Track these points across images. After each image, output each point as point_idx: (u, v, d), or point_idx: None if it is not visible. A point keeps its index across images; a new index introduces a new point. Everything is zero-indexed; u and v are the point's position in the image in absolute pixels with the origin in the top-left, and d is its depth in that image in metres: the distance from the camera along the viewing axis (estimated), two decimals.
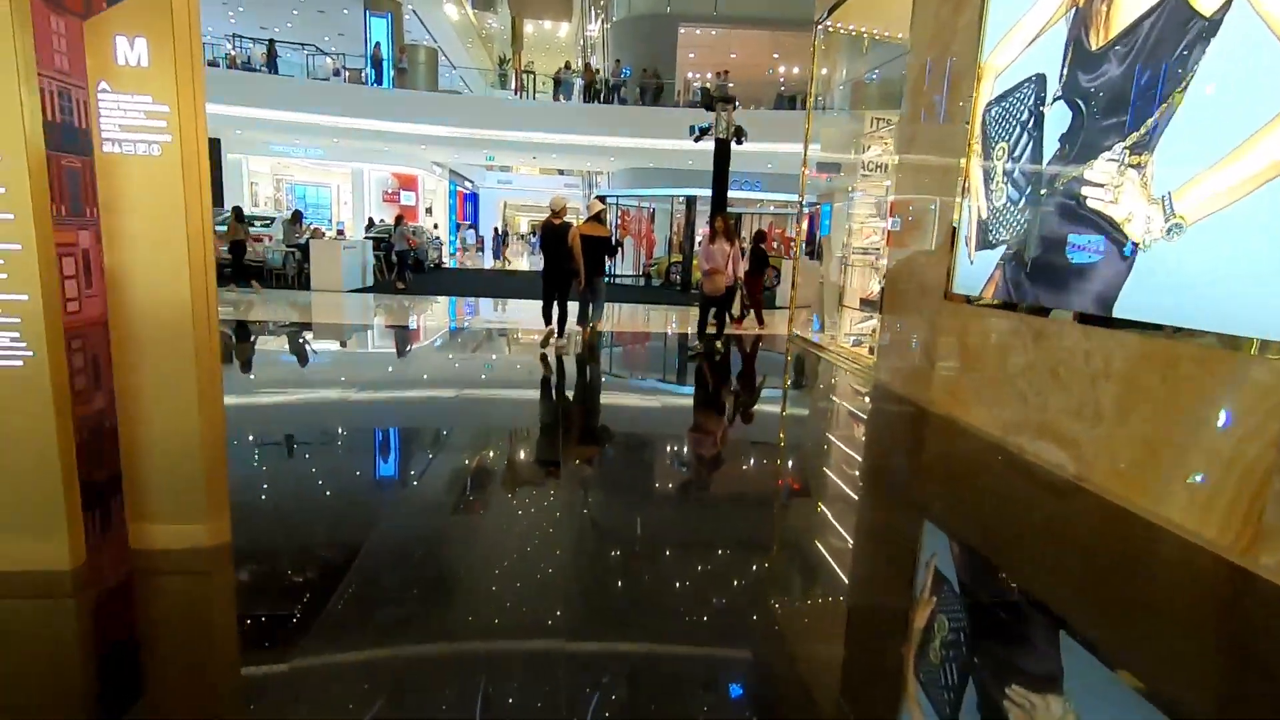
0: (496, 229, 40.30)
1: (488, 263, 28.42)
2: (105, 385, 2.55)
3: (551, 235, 7.41)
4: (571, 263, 7.20)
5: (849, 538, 3.38)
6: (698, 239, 17.69)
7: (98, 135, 2.28)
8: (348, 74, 23.66)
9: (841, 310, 8.30)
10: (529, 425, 5.13)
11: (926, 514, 3.67)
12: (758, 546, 3.20)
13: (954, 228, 5.07)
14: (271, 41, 22.08)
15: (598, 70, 23.25)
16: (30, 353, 2.17)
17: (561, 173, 43.66)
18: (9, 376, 2.17)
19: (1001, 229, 4.60)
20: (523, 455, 4.39)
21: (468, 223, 38.30)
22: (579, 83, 22.60)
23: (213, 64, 22.34)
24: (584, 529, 3.19)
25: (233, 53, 23.46)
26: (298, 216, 12.86)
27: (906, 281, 5.81)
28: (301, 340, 8.15)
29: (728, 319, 7.13)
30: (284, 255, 12.96)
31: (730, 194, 15.63)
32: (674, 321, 11.53)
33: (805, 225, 9.82)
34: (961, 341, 4.98)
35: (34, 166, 2.11)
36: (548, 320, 7.63)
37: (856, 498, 3.99)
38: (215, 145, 23.75)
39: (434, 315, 10.97)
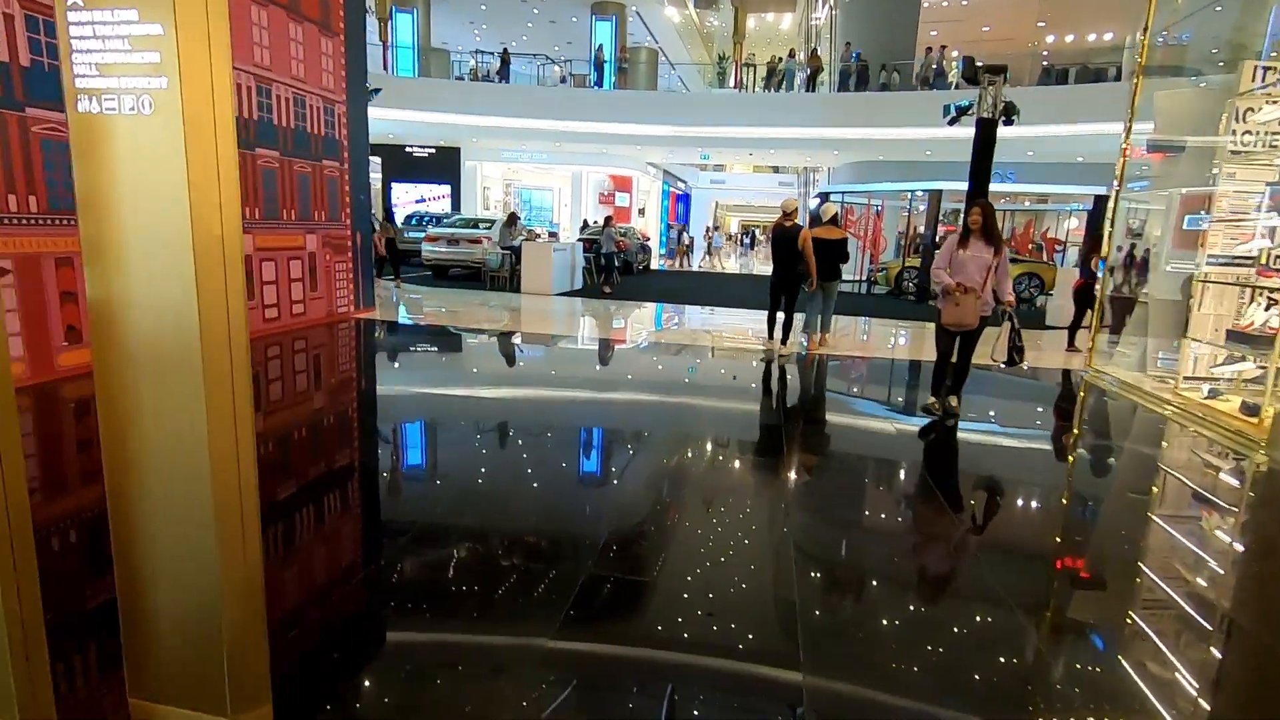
0: (708, 228, 39.74)
1: (696, 263, 27.69)
2: None
3: (782, 238, 7.14)
4: (802, 266, 7.01)
5: None
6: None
7: (70, 84, 1.37)
8: (572, 79, 24.27)
9: (1183, 342, 5.84)
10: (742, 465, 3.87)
11: None
12: None
13: None
14: (505, 52, 23.19)
15: (821, 56, 21.25)
16: None
17: (776, 170, 41.87)
18: None
19: None
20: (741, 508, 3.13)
21: (679, 224, 38.10)
22: (801, 75, 20.80)
23: (459, 78, 24.19)
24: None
25: (474, 65, 25.14)
26: (513, 219, 12.90)
27: None
28: (471, 353, 7.70)
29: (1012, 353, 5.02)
30: (501, 257, 13.06)
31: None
32: (904, 337, 9.52)
33: (1111, 224, 7.32)
34: None
35: None
36: (771, 331, 7.40)
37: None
38: (455, 154, 25.87)
39: (637, 323, 10.15)
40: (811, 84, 20.43)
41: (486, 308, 10.59)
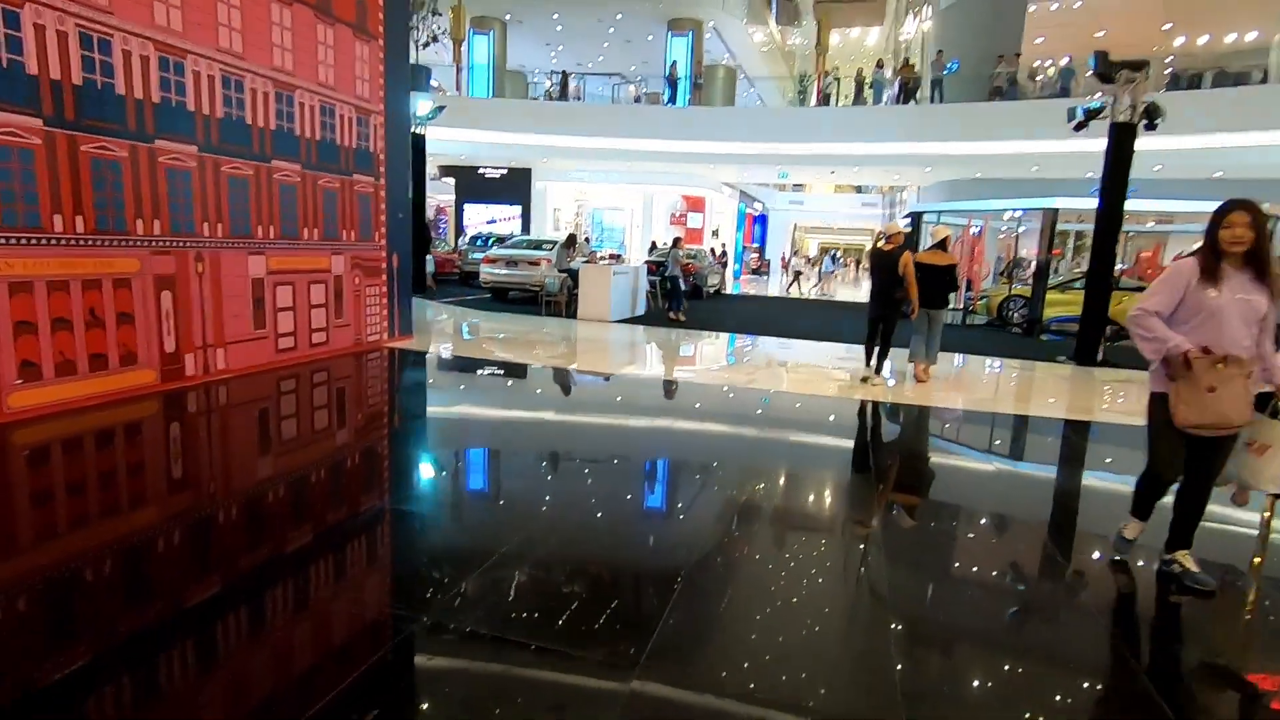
0: (784, 255, 38.17)
1: (774, 290, 26.27)
2: None
3: (882, 263, 6.80)
4: (901, 292, 6.67)
5: None
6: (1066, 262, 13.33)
7: None
8: (647, 98, 23.60)
9: None
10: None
11: None
12: None
13: None
14: (565, 75, 22.74)
15: (914, 65, 19.63)
16: None
17: (859, 190, 39.92)
18: None
19: None
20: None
21: (755, 245, 36.76)
22: (889, 91, 19.26)
23: (534, 99, 23.98)
24: None
25: (549, 87, 24.88)
26: (571, 240, 12.06)
27: None
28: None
29: None
30: (559, 281, 12.24)
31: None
32: (1019, 382, 7.93)
33: None
34: None
35: None
36: (869, 359, 6.98)
37: None
38: (526, 174, 25.63)
39: (705, 358, 8.99)
40: (905, 96, 18.86)
41: (532, 336, 9.70)
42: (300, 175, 6.35)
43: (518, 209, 25.52)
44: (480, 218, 25.68)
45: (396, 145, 7.69)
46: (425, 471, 4.18)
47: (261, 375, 5.89)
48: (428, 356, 7.61)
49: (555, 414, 5.85)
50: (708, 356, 9.06)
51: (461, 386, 6.71)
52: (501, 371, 7.34)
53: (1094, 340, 8.95)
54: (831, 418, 5.90)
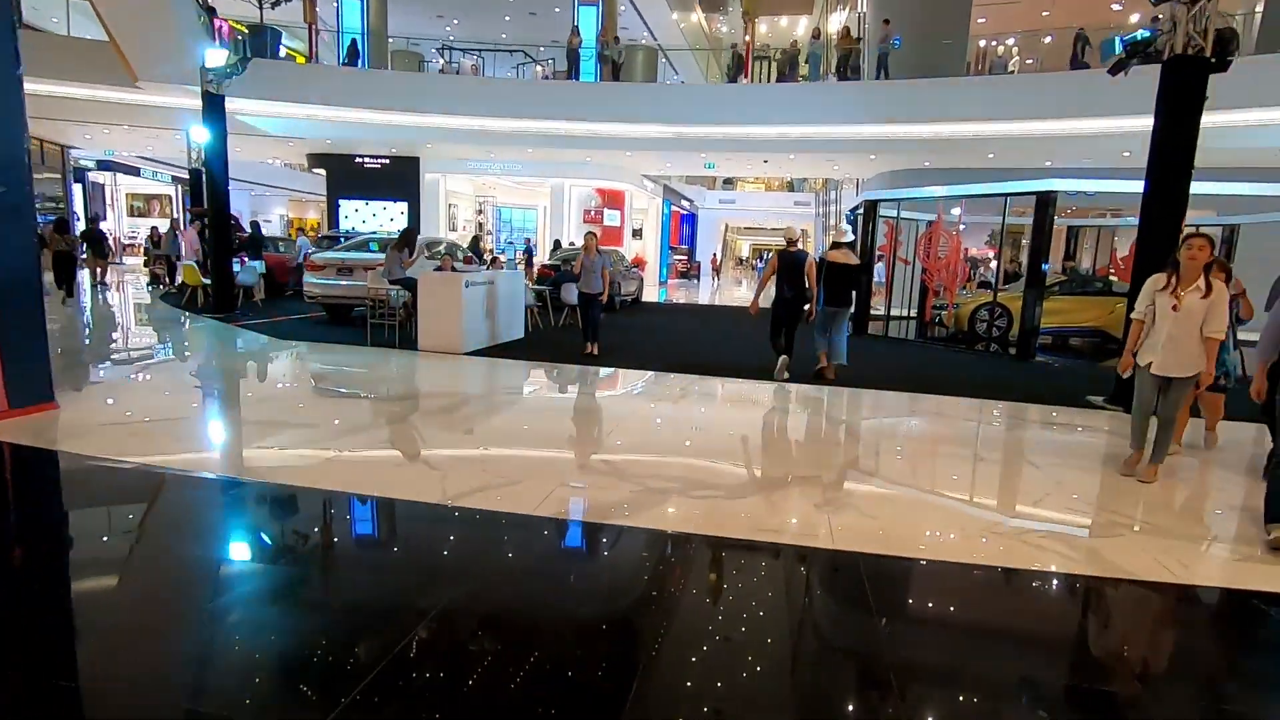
0: (715, 255, 35.44)
1: (704, 295, 23.33)
2: None
3: (789, 263, 6.97)
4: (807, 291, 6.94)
5: None
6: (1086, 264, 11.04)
7: None
8: (556, 77, 20.28)
9: None
10: None
11: None
12: None
13: None
14: (444, 47, 19.32)
15: (859, 40, 16.99)
16: None
17: (792, 188, 37.71)
18: None
19: None
20: None
21: (684, 246, 33.88)
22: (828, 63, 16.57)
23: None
24: None
25: (444, 65, 21.26)
26: (408, 237, 8.54)
27: None
28: None
29: None
30: (398, 294, 8.77)
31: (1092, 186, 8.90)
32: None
33: None
34: None
35: None
36: (777, 350, 7.09)
37: None
38: (413, 165, 21.82)
39: (628, 449, 5.70)
40: (844, 70, 16.18)
41: (298, 395, 6.23)
42: None
43: (404, 205, 21.69)
44: (359, 216, 21.69)
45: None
46: None
47: None
48: (53, 455, 4.03)
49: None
50: (617, 443, 5.67)
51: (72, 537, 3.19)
52: (163, 493, 3.80)
53: None
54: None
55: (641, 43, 24.43)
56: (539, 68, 21.57)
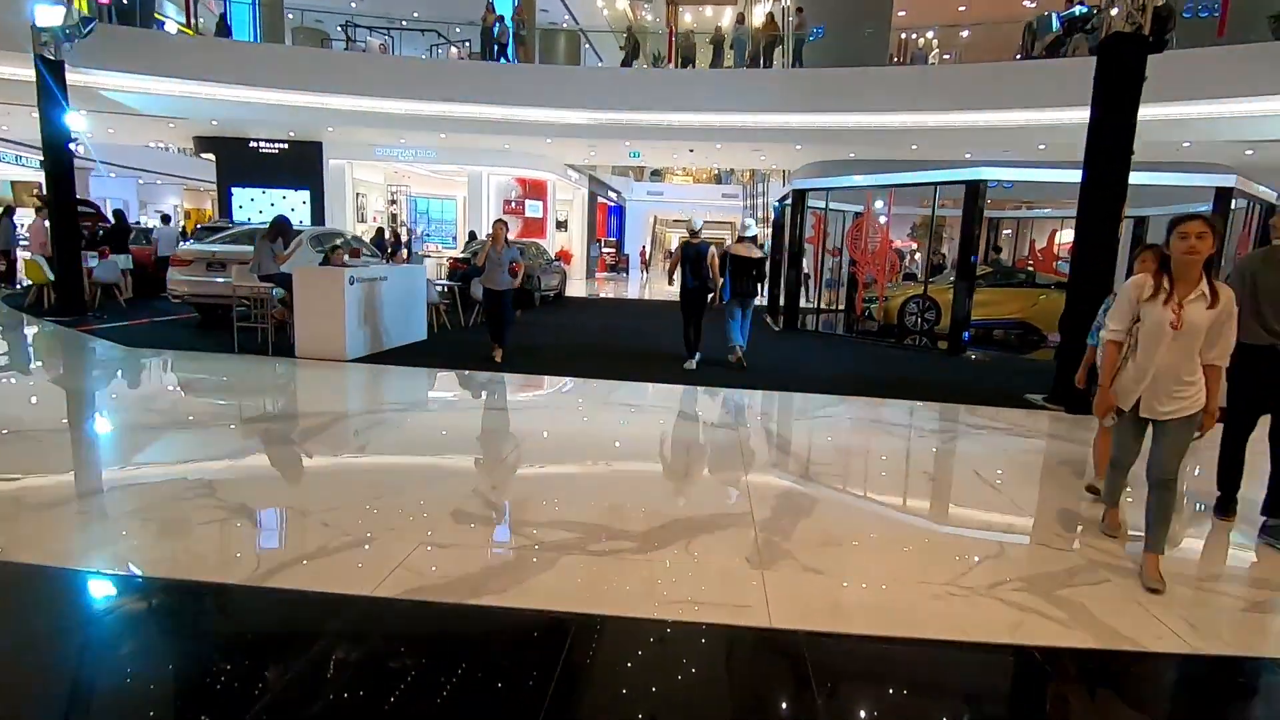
0: (644, 247, 34.83)
1: (633, 289, 22.65)
2: None
3: (691, 255, 7.17)
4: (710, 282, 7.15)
5: None
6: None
7: None
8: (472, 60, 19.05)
9: None
10: None
11: None
12: None
13: None
14: (348, 23, 17.92)
15: (776, 20, 16.59)
16: None
17: (720, 180, 37.44)
18: None
19: None
20: None
21: (611, 239, 33.10)
22: (748, 49, 16.06)
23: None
24: None
25: (349, 42, 19.67)
26: (280, 228, 7.37)
27: None
28: None
29: None
30: (274, 292, 7.62)
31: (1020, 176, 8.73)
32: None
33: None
34: None
35: None
36: (690, 351, 7.38)
37: None
38: (315, 150, 20.16)
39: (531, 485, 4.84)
40: (765, 58, 15.74)
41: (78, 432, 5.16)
42: None
43: (306, 194, 20.01)
44: (255, 205, 19.88)
45: None
46: None
47: None
48: None
49: None
50: (508, 477, 4.83)
51: None
52: None
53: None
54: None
55: (563, 26, 23.45)
56: (454, 49, 20.25)
